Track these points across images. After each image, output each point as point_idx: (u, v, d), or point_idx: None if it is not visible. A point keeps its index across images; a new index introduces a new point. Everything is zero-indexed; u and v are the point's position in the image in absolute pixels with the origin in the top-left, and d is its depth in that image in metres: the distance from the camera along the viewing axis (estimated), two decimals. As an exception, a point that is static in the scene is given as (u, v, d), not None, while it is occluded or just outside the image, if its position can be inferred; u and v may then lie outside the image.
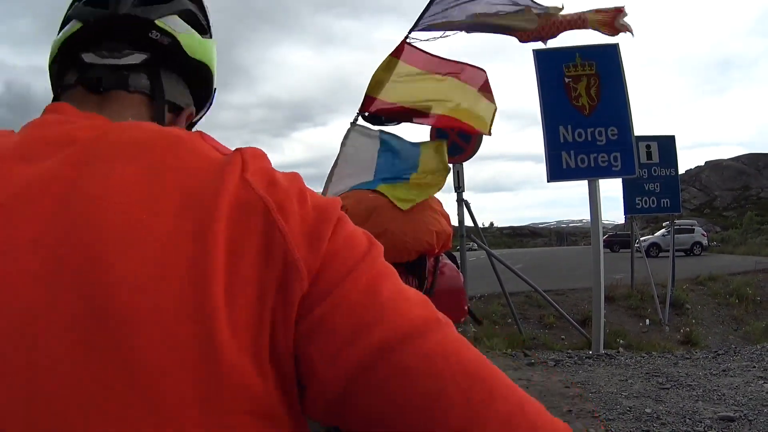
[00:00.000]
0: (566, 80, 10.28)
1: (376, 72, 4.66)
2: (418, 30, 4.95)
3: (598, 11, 5.44)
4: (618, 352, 10.61)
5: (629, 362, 9.50)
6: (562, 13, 5.43)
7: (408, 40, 4.89)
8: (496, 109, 5.04)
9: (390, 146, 4.04)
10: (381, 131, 4.24)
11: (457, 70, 4.96)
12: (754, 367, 8.59)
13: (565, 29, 5.47)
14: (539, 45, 5.76)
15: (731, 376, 8.10)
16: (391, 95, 4.58)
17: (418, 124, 4.83)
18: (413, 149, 3.92)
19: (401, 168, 3.72)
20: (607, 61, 10.32)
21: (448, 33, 5.05)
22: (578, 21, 5.46)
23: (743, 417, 6.35)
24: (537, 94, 10.56)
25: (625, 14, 5.46)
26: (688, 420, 6.40)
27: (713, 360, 9.44)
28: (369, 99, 4.55)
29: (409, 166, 3.71)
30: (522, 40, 5.33)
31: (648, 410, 6.74)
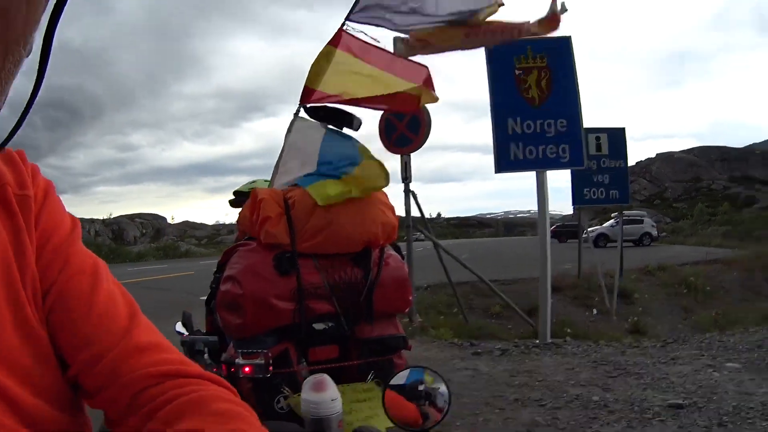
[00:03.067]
0: (517, 72, 10.38)
1: (314, 62, 4.67)
2: (355, 21, 4.96)
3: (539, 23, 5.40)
4: (565, 341, 10.70)
5: (576, 351, 9.62)
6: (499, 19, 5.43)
7: (344, 28, 4.91)
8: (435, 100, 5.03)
9: (333, 138, 4.05)
10: (326, 129, 4.24)
11: (391, 64, 4.97)
12: (703, 355, 8.74)
13: (503, 38, 5.44)
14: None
15: (680, 365, 8.23)
16: (330, 86, 4.58)
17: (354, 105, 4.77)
18: (353, 146, 3.90)
19: (340, 163, 3.73)
20: (559, 54, 10.42)
21: (380, 28, 5.04)
22: (519, 29, 5.43)
23: (693, 404, 6.44)
24: (486, 86, 10.65)
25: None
26: (636, 407, 6.48)
27: (662, 349, 9.58)
28: (309, 90, 4.55)
29: (347, 163, 3.71)
30: (464, 48, 5.31)
31: (595, 398, 6.82)
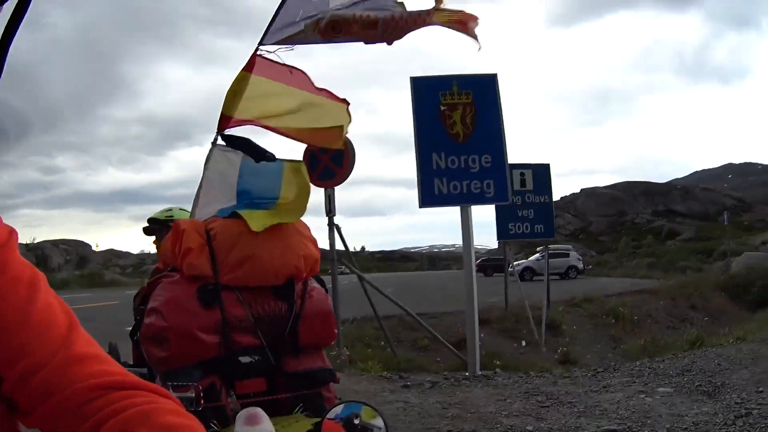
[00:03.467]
0: (442, 108, 10.43)
1: (229, 89, 4.63)
2: (268, 44, 4.93)
3: (445, 10, 5.25)
4: (495, 372, 10.66)
5: (507, 382, 9.54)
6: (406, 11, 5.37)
7: (258, 53, 4.88)
8: (350, 121, 4.98)
9: (251, 168, 4.05)
10: (243, 158, 4.22)
11: (307, 85, 4.93)
12: (635, 382, 8.78)
13: (411, 29, 5.30)
14: (383, 45, 5.57)
15: (612, 392, 8.26)
16: (246, 112, 4.54)
17: (273, 131, 4.71)
18: (275, 171, 3.91)
19: (264, 192, 3.74)
20: (484, 90, 10.55)
21: (296, 46, 4.99)
22: (423, 17, 5.27)
23: (627, 429, 6.51)
24: (411, 121, 10.68)
25: (477, 23, 5.30)
26: None
27: (593, 378, 9.58)
28: (225, 118, 4.50)
29: (272, 189, 3.73)
30: (367, 42, 5.23)
31: (529, 428, 6.80)
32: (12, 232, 1.17)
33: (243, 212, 3.45)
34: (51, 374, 1.06)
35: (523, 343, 17.04)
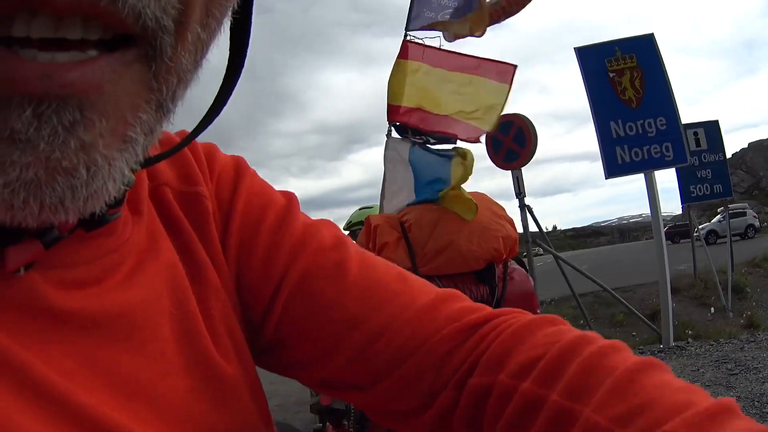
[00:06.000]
0: (610, 75, 10.40)
1: (389, 79, 4.70)
2: (414, 29, 5.07)
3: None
4: (688, 342, 10.68)
5: (699, 352, 9.60)
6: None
7: (407, 39, 4.98)
8: (508, 93, 4.90)
9: (417, 162, 3.95)
10: (411, 146, 4.18)
11: (471, 65, 4.94)
12: None
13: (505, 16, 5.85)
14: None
15: None
16: (411, 99, 4.57)
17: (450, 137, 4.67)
18: (443, 164, 3.75)
19: (433, 185, 3.65)
20: (646, 52, 10.42)
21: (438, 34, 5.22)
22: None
23: None
24: (584, 93, 10.66)
25: None
26: (756, 403, 6.53)
27: None
28: (393, 108, 4.56)
29: (440, 180, 3.62)
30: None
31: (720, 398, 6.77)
32: (289, 197, 0.96)
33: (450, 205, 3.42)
34: (397, 335, 0.85)
35: (712, 309, 16.57)
